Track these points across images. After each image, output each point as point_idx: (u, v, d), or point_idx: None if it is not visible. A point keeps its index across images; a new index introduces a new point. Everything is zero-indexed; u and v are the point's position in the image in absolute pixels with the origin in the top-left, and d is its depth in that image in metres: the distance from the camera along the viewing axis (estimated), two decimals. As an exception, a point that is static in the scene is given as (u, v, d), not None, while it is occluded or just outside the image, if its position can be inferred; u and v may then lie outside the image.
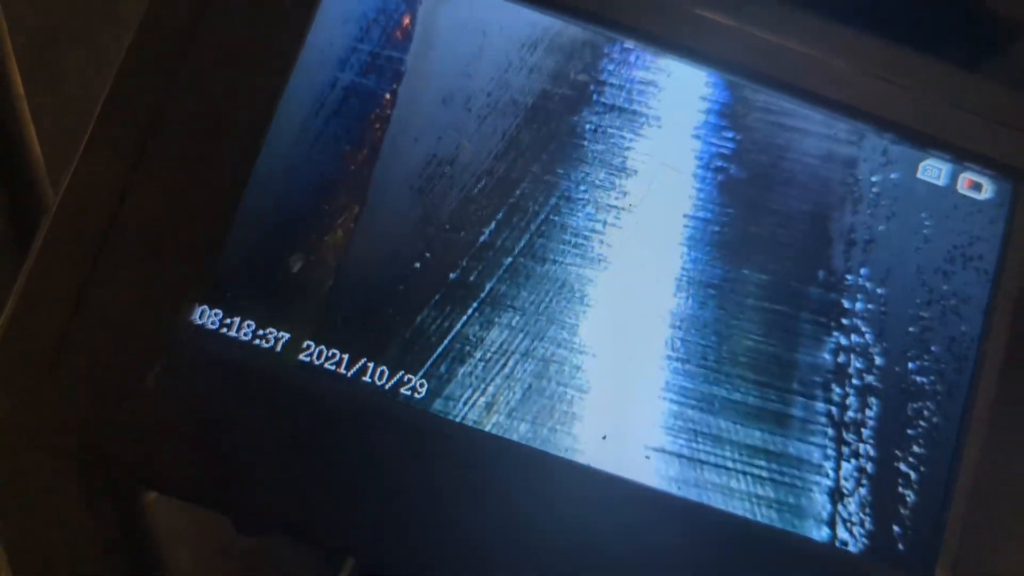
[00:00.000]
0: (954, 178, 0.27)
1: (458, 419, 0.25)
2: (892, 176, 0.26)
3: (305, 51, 0.26)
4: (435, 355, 0.25)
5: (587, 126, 0.26)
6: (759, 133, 0.26)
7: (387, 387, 0.25)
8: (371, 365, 0.25)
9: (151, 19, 0.25)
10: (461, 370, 0.25)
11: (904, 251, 0.26)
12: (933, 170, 0.27)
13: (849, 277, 0.26)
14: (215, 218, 0.25)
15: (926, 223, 0.26)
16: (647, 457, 0.25)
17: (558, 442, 0.25)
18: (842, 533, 0.25)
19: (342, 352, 0.25)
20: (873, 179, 0.26)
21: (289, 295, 0.25)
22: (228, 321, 0.25)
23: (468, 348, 0.25)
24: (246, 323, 0.25)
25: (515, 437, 0.25)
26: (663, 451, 0.25)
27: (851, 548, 0.25)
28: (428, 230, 0.26)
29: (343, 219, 0.25)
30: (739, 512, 0.25)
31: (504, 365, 0.25)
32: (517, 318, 0.25)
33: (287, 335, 0.25)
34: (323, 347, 0.25)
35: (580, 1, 0.26)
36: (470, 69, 0.26)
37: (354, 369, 0.25)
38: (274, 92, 0.25)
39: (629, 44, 0.26)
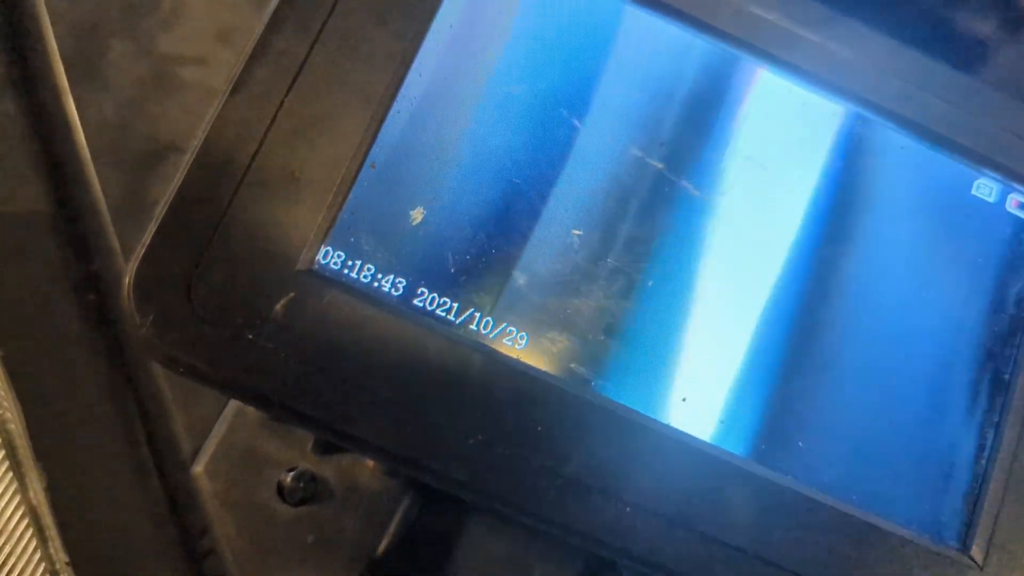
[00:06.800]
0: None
1: (553, 372, 0.27)
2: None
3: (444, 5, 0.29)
4: (538, 313, 0.27)
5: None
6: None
7: (491, 335, 0.27)
8: (478, 315, 0.27)
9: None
10: (562, 327, 0.27)
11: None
12: (985, 188, 0.30)
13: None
14: (343, 168, 0.27)
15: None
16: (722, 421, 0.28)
17: (641, 400, 0.27)
18: (887, 504, 0.28)
19: (452, 301, 0.27)
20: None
21: (408, 246, 0.27)
22: (350, 263, 0.27)
23: (572, 310, 0.27)
24: (367, 266, 0.27)
25: (606, 393, 0.27)
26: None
27: (891, 519, 0.28)
28: (537, 193, 0.28)
29: (462, 178, 0.28)
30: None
31: (604, 326, 0.28)
32: (624, 286, 0.28)
33: (404, 281, 0.27)
34: (435, 295, 0.27)
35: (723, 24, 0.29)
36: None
37: (463, 317, 0.27)
38: (410, 50, 0.28)
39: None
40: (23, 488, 0.31)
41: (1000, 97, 0.30)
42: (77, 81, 0.36)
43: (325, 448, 0.32)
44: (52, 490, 0.31)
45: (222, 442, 0.32)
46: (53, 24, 0.36)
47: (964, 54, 0.40)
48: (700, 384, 0.28)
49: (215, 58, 0.37)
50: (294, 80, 0.27)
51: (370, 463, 0.32)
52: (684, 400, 0.28)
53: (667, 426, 0.27)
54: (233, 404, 0.32)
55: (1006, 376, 0.29)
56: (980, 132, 0.30)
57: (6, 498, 0.31)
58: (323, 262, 0.27)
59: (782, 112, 0.30)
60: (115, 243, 0.34)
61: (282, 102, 0.27)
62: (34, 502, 0.31)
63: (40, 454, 0.31)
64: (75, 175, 0.35)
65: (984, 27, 0.41)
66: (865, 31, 0.31)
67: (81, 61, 0.36)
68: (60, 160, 0.35)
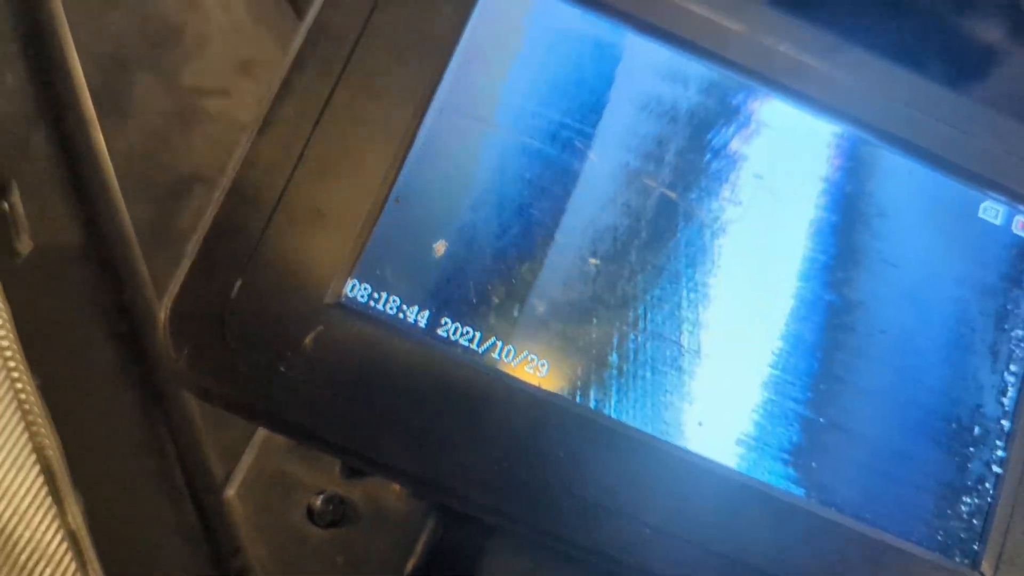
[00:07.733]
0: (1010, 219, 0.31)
1: (573, 398, 0.28)
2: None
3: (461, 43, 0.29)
4: (558, 341, 0.28)
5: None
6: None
7: (513, 363, 0.28)
8: (500, 344, 0.28)
9: (324, 16, 0.29)
10: (581, 354, 0.28)
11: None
12: (992, 211, 0.31)
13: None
14: (369, 203, 0.28)
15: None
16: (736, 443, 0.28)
17: (659, 425, 0.28)
18: (898, 522, 0.29)
19: (475, 330, 0.28)
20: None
21: (432, 278, 0.28)
22: (376, 295, 0.28)
23: (590, 336, 0.28)
24: (392, 299, 0.28)
25: (625, 419, 0.28)
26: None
27: (903, 537, 0.29)
28: (554, 224, 0.29)
29: (482, 211, 0.29)
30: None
31: (621, 352, 0.28)
32: (640, 312, 0.29)
33: (428, 312, 0.28)
34: (458, 324, 0.28)
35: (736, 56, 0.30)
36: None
37: (485, 346, 0.28)
38: (429, 86, 0.29)
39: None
40: (62, 513, 0.32)
41: (1005, 120, 0.31)
42: (105, 113, 0.37)
43: (352, 472, 0.33)
44: (90, 514, 0.32)
45: (252, 467, 0.33)
46: (80, 58, 0.37)
47: (970, 69, 0.41)
48: (715, 408, 0.29)
49: (237, 89, 0.38)
50: (319, 119, 0.28)
51: (396, 487, 0.33)
52: (700, 424, 0.28)
53: (684, 450, 0.28)
54: (262, 430, 0.33)
55: (1014, 395, 0.30)
56: (985, 155, 0.31)
57: (47, 523, 0.32)
58: (350, 295, 0.28)
59: (791, 139, 0.31)
60: (145, 272, 0.35)
61: (308, 140, 0.28)
62: (73, 526, 0.32)
63: (78, 480, 0.32)
64: (104, 206, 0.36)
65: (991, 38, 0.41)
66: (870, 58, 0.31)
67: (108, 94, 0.37)
68: (89, 192, 0.36)
